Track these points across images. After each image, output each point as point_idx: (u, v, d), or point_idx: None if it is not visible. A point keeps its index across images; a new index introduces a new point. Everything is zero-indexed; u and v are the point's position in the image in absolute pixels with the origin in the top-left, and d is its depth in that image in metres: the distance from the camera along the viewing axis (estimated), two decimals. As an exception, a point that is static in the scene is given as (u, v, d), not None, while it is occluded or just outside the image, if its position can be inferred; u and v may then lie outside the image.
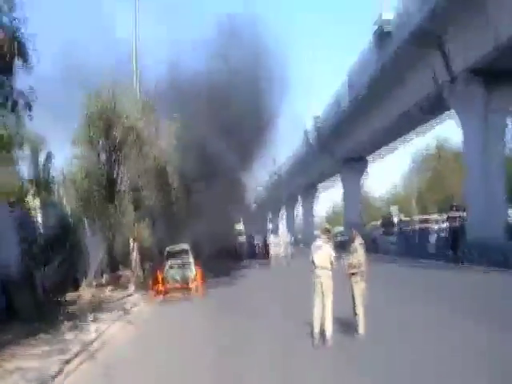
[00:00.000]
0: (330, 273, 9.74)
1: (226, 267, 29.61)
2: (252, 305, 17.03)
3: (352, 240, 10.52)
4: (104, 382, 8.51)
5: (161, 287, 20.78)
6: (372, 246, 35.08)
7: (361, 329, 9.89)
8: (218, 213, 27.96)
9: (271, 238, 43.31)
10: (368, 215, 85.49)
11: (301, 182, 74.16)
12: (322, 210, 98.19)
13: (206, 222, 26.04)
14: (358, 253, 10.23)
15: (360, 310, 9.99)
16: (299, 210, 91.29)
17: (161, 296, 20.08)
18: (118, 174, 19.76)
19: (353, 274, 10.08)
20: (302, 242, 62.03)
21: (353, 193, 55.78)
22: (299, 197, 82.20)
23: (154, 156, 19.09)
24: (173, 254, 21.37)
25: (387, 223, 52.95)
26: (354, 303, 10.07)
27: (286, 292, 19.43)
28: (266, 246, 41.93)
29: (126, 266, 25.40)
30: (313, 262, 9.85)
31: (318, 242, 10.03)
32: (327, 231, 10.43)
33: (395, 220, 55.60)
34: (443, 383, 7.02)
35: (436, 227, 45.36)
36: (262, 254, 41.41)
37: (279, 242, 41.36)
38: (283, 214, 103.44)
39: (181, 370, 8.62)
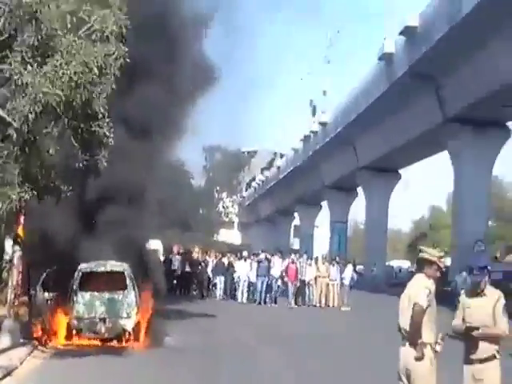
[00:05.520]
0: (430, 351, 4.83)
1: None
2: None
3: (476, 289, 5.22)
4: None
5: (62, 342, 11.42)
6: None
7: None
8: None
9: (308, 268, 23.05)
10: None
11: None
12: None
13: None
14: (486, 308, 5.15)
15: None
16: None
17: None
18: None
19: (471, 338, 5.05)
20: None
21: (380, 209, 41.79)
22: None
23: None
24: (93, 280, 11.53)
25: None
26: None
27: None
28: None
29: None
30: (399, 327, 5.08)
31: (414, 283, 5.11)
32: (430, 262, 5.06)
33: None
34: None
35: None
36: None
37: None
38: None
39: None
